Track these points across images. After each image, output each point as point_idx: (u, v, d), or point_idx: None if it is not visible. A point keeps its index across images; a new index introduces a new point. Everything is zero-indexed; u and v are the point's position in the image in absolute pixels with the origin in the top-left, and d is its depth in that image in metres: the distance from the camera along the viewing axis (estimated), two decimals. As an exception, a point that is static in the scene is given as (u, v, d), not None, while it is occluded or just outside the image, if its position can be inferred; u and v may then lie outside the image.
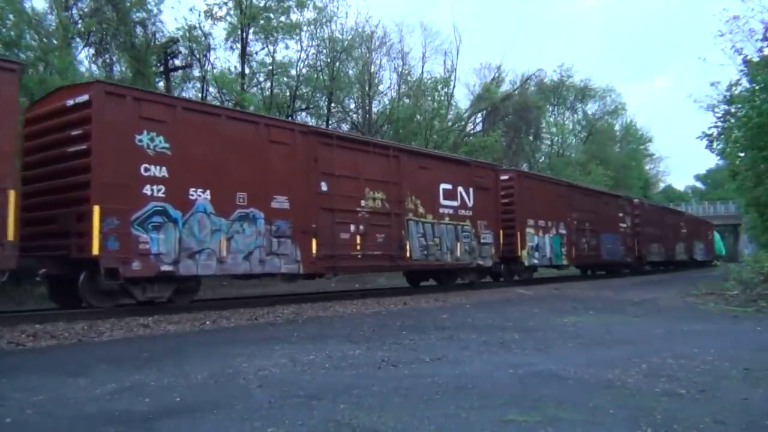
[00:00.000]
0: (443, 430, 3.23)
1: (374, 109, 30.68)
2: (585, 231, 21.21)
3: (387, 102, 30.73)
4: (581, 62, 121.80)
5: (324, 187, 11.50)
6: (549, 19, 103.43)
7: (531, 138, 40.12)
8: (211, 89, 24.22)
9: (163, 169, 9.06)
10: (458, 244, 14.64)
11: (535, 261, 18.01)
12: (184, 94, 22.85)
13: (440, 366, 5.04)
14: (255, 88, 25.35)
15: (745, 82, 15.76)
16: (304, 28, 25.36)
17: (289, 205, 10.76)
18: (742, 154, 17.03)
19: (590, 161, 42.67)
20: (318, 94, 27.47)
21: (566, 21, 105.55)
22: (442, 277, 15.49)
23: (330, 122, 27.78)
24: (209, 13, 23.15)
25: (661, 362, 5.11)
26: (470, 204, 15.14)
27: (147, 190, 8.85)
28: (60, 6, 18.41)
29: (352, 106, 31.10)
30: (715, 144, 17.22)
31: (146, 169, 8.89)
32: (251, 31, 23.90)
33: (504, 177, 17.47)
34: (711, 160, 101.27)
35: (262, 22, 23.52)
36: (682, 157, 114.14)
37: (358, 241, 12.06)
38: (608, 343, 6.38)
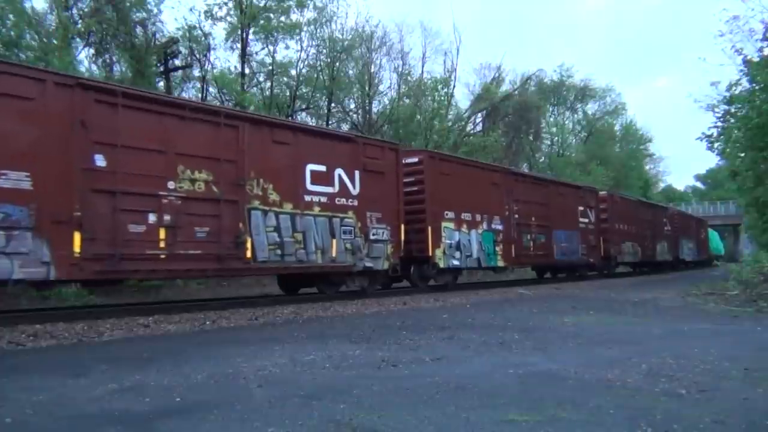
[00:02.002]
0: (443, 430, 3.23)
1: (374, 109, 30.73)
2: (531, 227, 17.94)
3: (387, 102, 30.79)
4: (582, 63, 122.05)
5: (100, 161, 8.53)
6: (550, 20, 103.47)
7: (531, 138, 40.10)
8: (211, 89, 24.24)
9: None
10: (334, 241, 11.56)
11: (456, 262, 14.77)
12: (184, 94, 22.87)
13: (440, 366, 5.04)
14: (255, 88, 25.37)
15: (745, 82, 15.76)
16: (304, 28, 25.39)
17: (32, 185, 7.78)
18: (742, 155, 17.03)
19: (590, 161, 42.70)
20: (318, 94, 27.49)
21: (567, 22, 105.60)
22: (317, 283, 12.40)
23: (330, 122, 27.80)
24: (209, 13, 23.17)
25: (661, 362, 5.10)
26: (355, 191, 12.09)
27: None
28: (60, 6, 18.41)
29: (352, 106, 31.14)
30: (715, 144, 17.22)
31: None
32: (251, 31, 23.90)
33: (410, 159, 14.41)
34: (711, 160, 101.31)
35: (262, 22, 23.53)
36: (682, 157, 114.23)
37: (162, 236, 9.00)
38: (608, 342, 6.38)
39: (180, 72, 23.38)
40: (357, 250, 12.05)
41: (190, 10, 27.76)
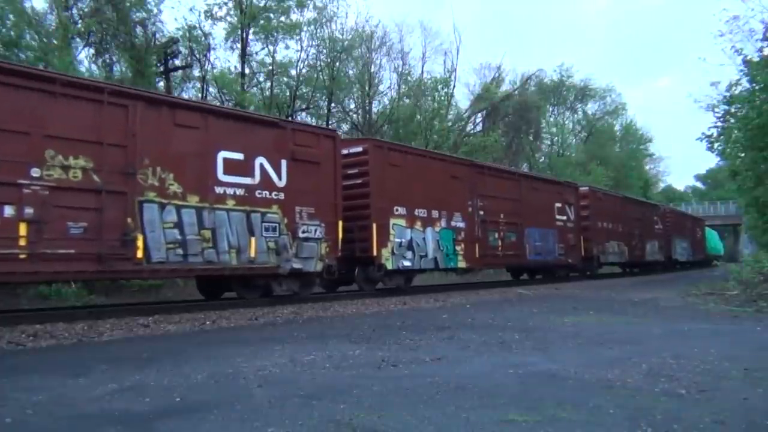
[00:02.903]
0: (443, 430, 3.23)
1: (374, 109, 30.77)
2: (499, 224, 16.44)
3: (387, 102, 30.81)
4: (583, 63, 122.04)
5: None
6: (550, 20, 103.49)
7: (531, 138, 40.15)
8: (211, 89, 24.25)
9: None
10: (253, 239, 10.23)
11: (407, 263, 13.32)
12: (184, 94, 22.88)
13: (440, 366, 5.04)
14: (255, 88, 25.38)
15: (745, 82, 15.76)
16: (304, 28, 25.43)
17: None
18: (742, 155, 17.03)
19: (590, 161, 42.72)
20: (318, 94, 27.51)
21: (568, 22, 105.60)
22: (236, 287, 11.00)
23: (330, 122, 27.81)
24: (209, 13, 23.20)
25: (661, 362, 5.10)
26: (281, 183, 10.78)
27: None
28: (60, 6, 18.42)
29: (352, 106, 31.19)
30: (715, 145, 17.22)
31: None
32: (251, 31, 23.92)
33: (354, 149, 13.11)
34: (711, 160, 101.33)
35: (262, 22, 23.55)
36: (682, 157, 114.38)
37: (22, 232, 7.68)
38: (608, 343, 6.37)
39: (180, 72, 23.40)
40: (283, 249, 10.67)
41: (190, 10, 27.80)
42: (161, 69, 21.13)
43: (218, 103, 21.01)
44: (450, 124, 32.93)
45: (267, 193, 10.61)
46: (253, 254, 10.25)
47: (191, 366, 4.99)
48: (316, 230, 11.32)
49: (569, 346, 6.14)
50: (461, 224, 15.10)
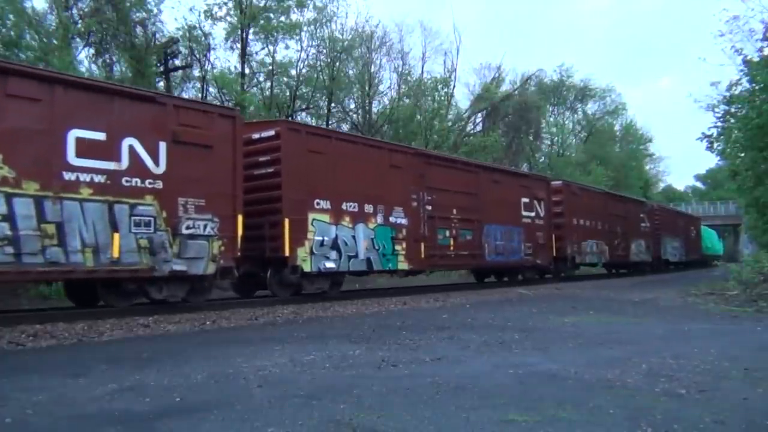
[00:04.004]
0: (443, 430, 3.23)
1: (374, 109, 30.77)
2: (451, 221, 14.69)
3: (387, 102, 30.82)
4: (584, 63, 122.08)
5: None
6: (551, 20, 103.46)
7: (531, 138, 40.15)
8: (211, 89, 24.26)
9: None
10: (116, 236, 8.57)
11: (330, 265, 11.56)
12: (183, 95, 22.88)
13: (440, 366, 5.04)
14: (255, 88, 25.38)
15: (745, 82, 15.76)
16: (304, 28, 25.40)
17: None
18: (742, 155, 17.02)
19: (590, 161, 42.72)
20: (318, 94, 27.50)
21: (569, 22, 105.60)
22: (101, 293, 9.36)
23: (330, 122, 27.81)
24: (209, 13, 23.18)
25: (661, 362, 5.10)
26: (158, 169, 9.10)
27: None
28: (60, 6, 18.43)
29: (352, 106, 31.18)
30: (715, 145, 17.22)
31: None
32: (251, 31, 23.92)
33: (265, 133, 11.41)
34: (711, 160, 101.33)
35: (262, 22, 23.54)
36: (682, 157, 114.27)
37: None
38: (608, 343, 6.38)
39: (180, 72, 23.41)
40: (159, 248, 8.97)
41: (190, 10, 27.70)
42: (161, 69, 21.14)
43: (218, 103, 21.00)
44: (450, 124, 32.95)
45: (138, 180, 8.87)
46: (116, 254, 8.53)
47: (191, 366, 5.00)
48: (206, 226, 9.60)
49: (569, 346, 6.14)
50: (402, 220, 13.29)
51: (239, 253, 10.05)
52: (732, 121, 16.41)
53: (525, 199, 17.87)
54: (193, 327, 7.99)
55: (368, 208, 12.50)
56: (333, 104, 28.67)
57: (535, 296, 13.67)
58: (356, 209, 12.22)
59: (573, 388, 4.19)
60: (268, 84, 25.63)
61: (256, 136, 11.37)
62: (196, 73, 24.47)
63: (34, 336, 6.87)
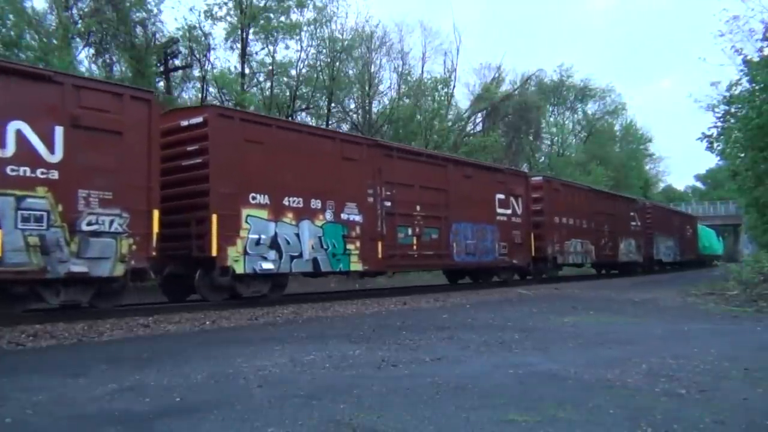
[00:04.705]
0: (443, 430, 3.23)
1: (374, 109, 30.78)
2: (414, 218, 13.67)
3: (387, 102, 30.83)
4: (584, 64, 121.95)
5: None
6: (551, 20, 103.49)
7: (531, 138, 40.17)
8: (211, 89, 24.27)
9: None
10: None
11: (268, 266, 10.51)
12: (183, 95, 22.91)
13: (440, 366, 5.04)
14: (255, 88, 25.38)
15: (745, 82, 15.78)
16: (304, 28, 25.39)
17: None
18: (742, 155, 17.04)
19: (590, 161, 42.73)
20: (318, 94, 27.51)
21: (569, 22, 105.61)
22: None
23: (330, 122, 27.82)
24: (209, 13, 23.19)
25: (661, 362, 5.10)
26: (53, 157, 8.04)
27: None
28: (60, 6, 18.44)
29: (352, 106, 31.20)
30: (715, 145, 17.24)
31: None
32: (251, 31, 23.92)
33: (194, 120, 10.38)
34: (711, 160, 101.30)
35: (262, 22, 23.54)
36: (682, 157, 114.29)
37: None
38: (608, 343, 6.38)
39: (180, 72, 23.41)
40: (53, 246, 7.94)
41: (190, 10, 27.81)
42: (161, 69, 21.14)
43: (217, 102, 20.99)
44: (450, 124, 32.96)
45: (28, 170, 7.80)
46: None
47: (191, 366, 5.00)
48: (113, 222, 8.53)
49: (569, 346, 6.14)
50: (356, 217, 12.18)
51: (154, 253, 8.93)
52: (732, 121, 16.44)
53: (500, 196, 16.81)
54: (193, 327, 7.99)
55: (315, 203, 11.43)
56: (333, 104, 28.69)
57: (534, 296, 13.67)
58: (301, 205, 11.18)
59: (573, 388, 4.19)
60: (268, 84, 25.64)
61: (184, 123, 10.46)
62: (196, 73, 24.50)
63: (34, 336, 6.86)
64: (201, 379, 4.53)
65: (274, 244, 10.65)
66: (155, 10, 21.09)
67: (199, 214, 9.99)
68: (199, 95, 23.60)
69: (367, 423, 3.33)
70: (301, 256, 11.08)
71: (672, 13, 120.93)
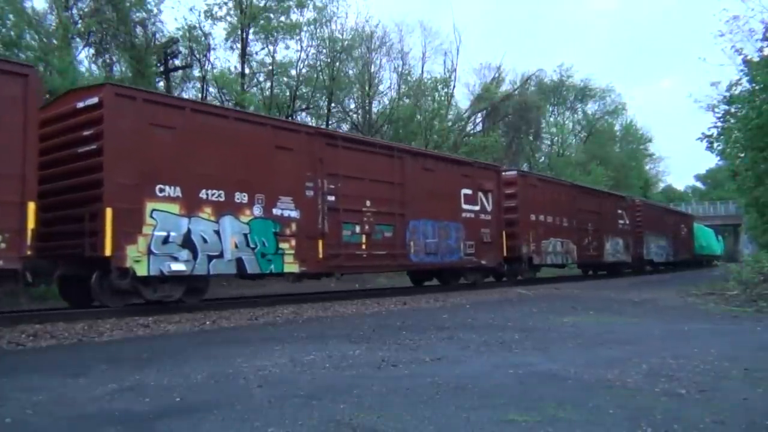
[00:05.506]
0: (443, 430, 3.23)
1: (374, 109, 30.79)
2: (362, 214, 12.44)
3: (387, 102, 30.84)
4: (585, 64, 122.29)
5: None
6: (552, 20, 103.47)
7: (531, 138, 40.18)
8: (211, 89, 24.28)
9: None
10: None
11: (179, 267, 9.27)
12: (183, 95, 22.89)
13: (440, 366, 5.04)
14: (255, 88, 25.40)
15: (745, 82, 15.79)
16: (304, 28, 25.43)
17: None
18: (742, 155, 17.04)
19: (590, 161, 42.74)
20: (318, 94, 27.53)
21: (570, 22, 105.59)
22: None
23: (330, 122, 27.82)
24: (209, 13, 23.22)
25: (660, 362, 5.10)
26: None
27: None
28: (60, 6, 18.44)
29: (352, 106, 31.21)
30: (715, 145, 17.24)
31: None
32: (251, 31, 23.94)
33: (89, 100, 9.12)
34: (711, 160, 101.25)
35: (262, 22, 23.56)
36: (682, 157, 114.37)
37: None
38: (608, 343, 6.38)
39: (180, 72, 23.40)
40: None
41: (190, 10, 27.82)
42: (161, 69, 21.13)
43: (218, 104, 20.95)
44: (450, 124, 32.96)
45: None
46: None
47: (191, 366, 4.99)
48: None
49: (569, 346, 6.14)
50: (292, 213, 11.02)
51: (29, 252, 7.71)
52: (732, 121, 16.44)
53: (467, 191, 15.43)
54: (193, 327, 7.99)
55: (241, 197, 10.24)
56: (333, 104, 28.70)
57: (534, 296, 13.67)
58: (222, 198, 9.94)
59: (573, 388, 4.19)
60: (268, 84, 25.66)
61: (80, 105, 9.22)
62: (196, 73, 24.52)
63: (34, 336, 6.86)
64: (201, 379, 4.53)
65: (187, 242, 9.41)
66: (155, 10, 21.16)
67: (92, 208, 8.75)
68: (200, 95, 23.60)
69: (367, 423, 3.33)
70: (221, 255, 9.85)
71: (672, 13, 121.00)
